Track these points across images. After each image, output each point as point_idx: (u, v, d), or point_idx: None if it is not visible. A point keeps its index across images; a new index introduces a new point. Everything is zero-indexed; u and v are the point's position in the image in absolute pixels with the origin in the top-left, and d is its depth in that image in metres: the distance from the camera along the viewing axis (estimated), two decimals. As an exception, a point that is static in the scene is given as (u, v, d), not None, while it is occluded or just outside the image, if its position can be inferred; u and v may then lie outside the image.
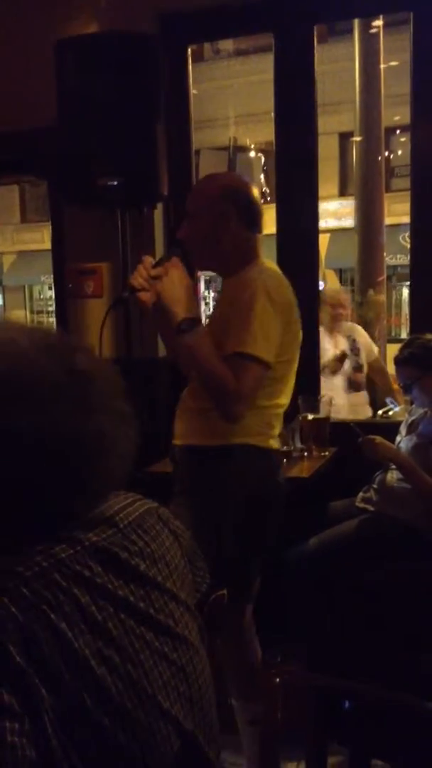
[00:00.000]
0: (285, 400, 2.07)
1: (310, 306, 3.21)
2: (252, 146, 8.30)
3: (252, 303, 1.86)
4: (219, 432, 1.94)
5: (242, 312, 1.86)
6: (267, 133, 3.36)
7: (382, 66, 6.04)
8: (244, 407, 1.87)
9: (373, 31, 6.20)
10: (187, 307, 1.87)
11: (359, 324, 5.92)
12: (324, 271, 16.92)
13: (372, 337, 5.69)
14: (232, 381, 1.83)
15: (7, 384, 0.79)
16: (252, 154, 6.86)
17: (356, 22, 5.97)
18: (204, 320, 2.08)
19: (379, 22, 6.04)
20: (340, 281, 16.39)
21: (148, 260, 1.92)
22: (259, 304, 1.85)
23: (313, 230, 3.13)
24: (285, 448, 2.71)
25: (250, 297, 1.86)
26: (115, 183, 2.61)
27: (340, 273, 16.25)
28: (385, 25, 6.33)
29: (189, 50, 3.18)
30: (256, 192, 2.06)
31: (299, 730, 0.96)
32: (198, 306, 2.08)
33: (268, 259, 2.13)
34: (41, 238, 15.21)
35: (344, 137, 13.82)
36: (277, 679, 0.93)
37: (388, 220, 6.27)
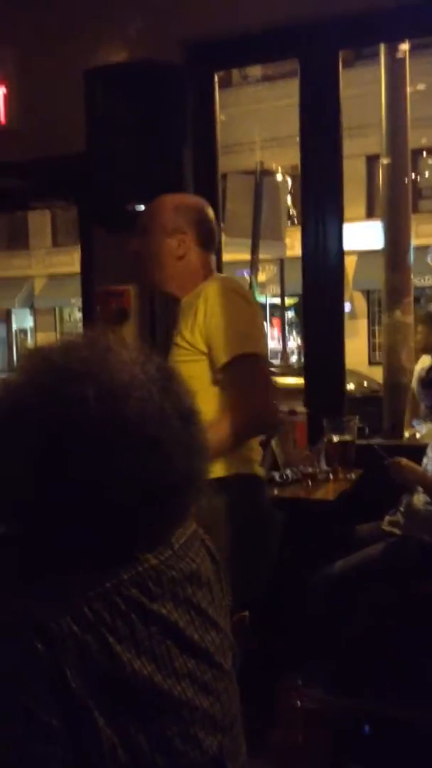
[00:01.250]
0: None
1: (336, 328, 3.23)
2: (279, 170, 8.35)
3: (231, 306, 1.81)
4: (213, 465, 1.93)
5: (225, 317, 1.79)
6: (293, 156, 3.40)
7: (408, 89, 6.06)
8: (275, 409, 1.81)
9: (400, 55, 6.25)
10: None
11: (386, 346, 5.90)
12: (351, 292, 16.94)
13: (399, 359, 5.67)
14: (243, 403, 1.75)
15: (136, 430, 0.79)
16: (279, 177, 6.90)
17: (382, 45, 6.03)
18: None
19: (405, 46, 6.09)
20: (368, 303, 16.35)
21: None
22: (237, 305, 1.82)
23: (339, 252, 3.14)
24: (310, 470, 2.70)
25: (227, 301, 1.81)
26: (143, 208, 2.66)
27: (368, 294, 16.21)
28: (412, 48, 6.37)
29: (215, 77, 3.24)
30: (210, 212, 2.03)
31: (320, 753, 0.95)
32: None
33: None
34: (71, 262, 15.46)
35: (371, 160, 13.87)
36: (299, 702, 0.92)
37: (415, 242, 6.26)
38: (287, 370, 8.99)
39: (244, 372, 1.76)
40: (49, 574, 0.80)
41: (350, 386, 8.75)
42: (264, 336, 1.87)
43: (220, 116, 3.31)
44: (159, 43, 3.07)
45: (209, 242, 1.99)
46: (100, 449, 0.77)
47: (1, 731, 0.73)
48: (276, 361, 12.18)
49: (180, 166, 2.75)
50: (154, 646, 0.81)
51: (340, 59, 3.07)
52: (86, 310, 3.38)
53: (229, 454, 1.84)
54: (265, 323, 2.03)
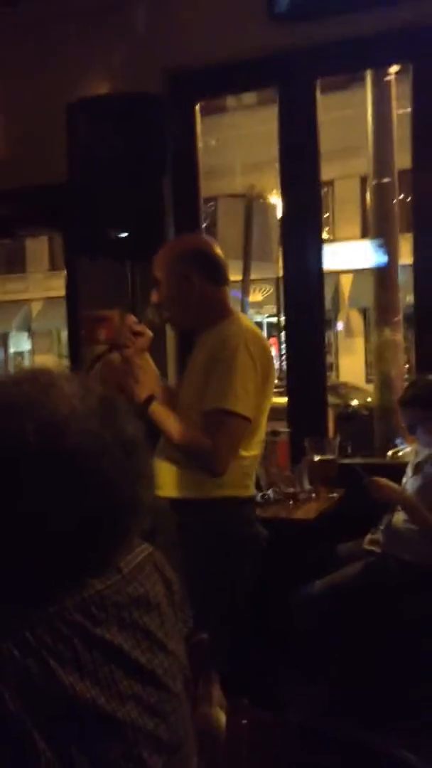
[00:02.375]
0: (258, 450, 2.09)
1: (317, 348, 3.28)
2: (271, 192, 8.47)
3: (233, 359, 1.91)
4: (202, 485, 1.97)
5: (223, 367, 1.91)
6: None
7: (395, 111, 6.16)
8: (227, 463, 1.91)
9: (387, 78, 6.36)
10: (152, 376, 1.98)
11: (377, 364, 5.94)
12: (347, 310, 17.02)
13: (390, 377, 5.71)
14: (207, 442, 1.89)
15: (75, 462, 0.81)
16: (270, 199, 7.00)
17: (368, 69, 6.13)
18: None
19: (393, 69, 6.20)
20: (364, 320, 16.42)
21: (131, 318, 2.02)
22: (239, 360, 1.91)
23: (319, 274, 3.20)
24: (292, 490, 2.73)
25: (231, 353, 1.92)
26: (124, 236, 2.72)
27: (365, 312, 16.29)
28: (400, 71, 6.47)
29: (197, 106, 3.31)
30: (218, 249, 2.13)
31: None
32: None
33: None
34: (55, 286, 15.57)
35: (365, 180, 14.01)
36: (244, 721, 0.95)
37: (407, 260, 6.32)
38: (284, 389, 9.00)
39: (217, 423, 1.90)
40: None
41: (354, 402, 8.77)
42: (253, 395, 1.93)
43: (210, 141, 3.38)
44: (140, 73, 3.15)
45: (218, 277, 2.07)
46: (40, 481, 0.80)
47: None
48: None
49: (161, 194, 2.81)
50: (97, 670, 0.84)
51: (318, 87, 3.14)
52: (72, 335, 3.43)
53: (225, 478, 1.94)
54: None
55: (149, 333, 2.00)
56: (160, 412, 1.93)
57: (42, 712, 0.78)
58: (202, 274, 2.03)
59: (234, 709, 0.99)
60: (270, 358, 2.05)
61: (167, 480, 2.03)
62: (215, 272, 2.06)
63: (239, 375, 1.90)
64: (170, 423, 1.93)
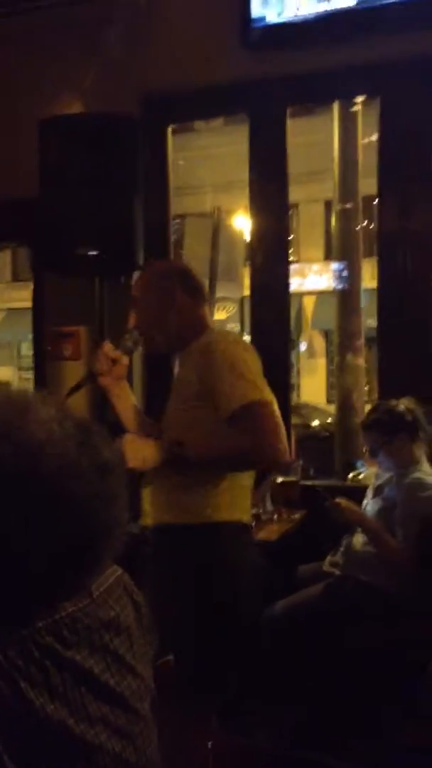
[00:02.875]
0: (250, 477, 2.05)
1: (283, 368, 3.33)
2: (238, 212, 8.55)
3: (229, 356, 1.87)
4: (203, 508, 1.90)
5: (223, 368, 1.85)
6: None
7: (360, 140, 6.29)
8: (278, 450, 1.82)
9: (355, 108, 6.51)
10: (132, 404, 1.98)
11: (339, 387, 6.02)
12: (310, 332, 17.21)
13: (351, 400, 5.79)
14: (246, 439, 1.81)
15: (51, 486, 0.82)
16: (236, 219, 7.06)
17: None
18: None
19: (359, 98, 6.35)
20: (326, 342, 16.63)
21: (107, 346, 2.00)
22: (236, 355, 1.88)
23: (285, 295, 3.27)
24: (254, 510, 2.75)
25: (222, 353, 1.88)
26: (93, 253, 2.73)
27: (326, 334, 16.49)
28: (366, 99, 6.63)
29: (169, 129, 3.36)
30: (192, 270, 2.17)
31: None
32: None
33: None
34: (30, 296, 15.41)
35: (329, 204, 14.25)
36: (210, 743, 0.96)
37: (371, 284, 6.43)
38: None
39: (251, 419, 1.82)
40: None
41: (315, 422, 8.84)
42: (264, 380, 1.91)
43: (177, 160, 3.42)
44: (114, 94, 3.18)
45: (198, 294, 2.08)
46: (15, 505, 0.81)
47: None
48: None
49: (131, 213, 2.83)
50: (67, 692, 0.85)
51: (288, 114, 3.21)
52: (37, 348, 3.42)
53: (224, 499, 1.90)
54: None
55: (125, 360, 1.99)
56: (193, 446, 1.83)
57: (11, 733, 0.79)
58: (184, 290, 2.03)
59: (201, 731, 1.01)
60: (259, 361, 1.99)
61: (163, 504, 1.95)
62: (195, 289, 2.07)
63: (246, 368, 1.86)
64: (204, 447, 1.84)
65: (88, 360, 1.95)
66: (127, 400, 2.08)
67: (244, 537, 2.01)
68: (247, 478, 2.02)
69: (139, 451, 1.85)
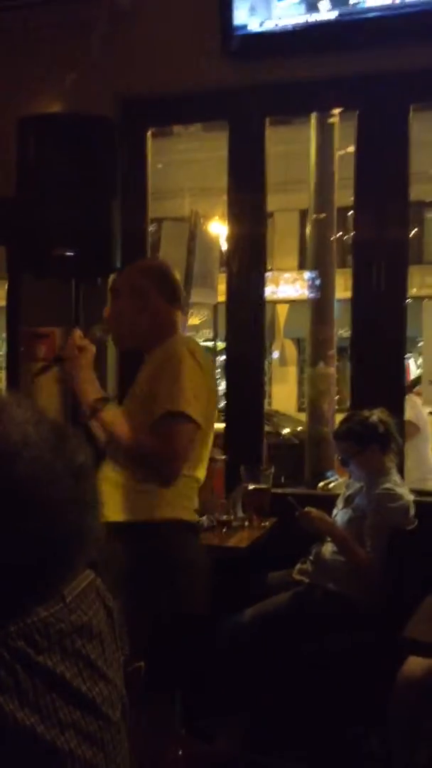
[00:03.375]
0: (202, 474, 2.09)
1: (256, 376, 3.34)
2: (214, 218, 8.57)
3: (180, 364, 1.92)
4: (145, 507, 1.96)
5: (171, 373, 1.91)
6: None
7: (336, 152, 6.35)
8: (178, 466, 1.90)
9: (332, 119, 6.57)
10: (96, 388, 1.96)
11: (310, 396, 6.05)
12: (282, 340, 17.30)
13: (322, 409, 5.82)
14: (157, 443, 1.88)
15: (25, 490, 0.82)
16: (213, 225, 7.08)
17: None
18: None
19: (336, 110, 6.41)
20: (298, 350, 16.73)
21: (77, 333, 2.03)
22: (187, 365, 1.92)
23: (260, 302, 3.28)
24: (225, 517, 2.75)
25: (178, 359, 1.93)
26: (70, 254, 2.71)
27: (298, 342, 16.59)
28: (343, 111, 6.69)
29: (149, 132, 3.35)
30: (173, 272, 2.19)
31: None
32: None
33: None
34: (2, 296, 15.26)
35: (304, 214, 14.36)
36: (180, 752, 0.95)
37: (343, 295, 6.49)
38: (221, 415, 9.04)
39: (168, 425, 1.88)
40: None
41: (286, 430, 8.87)
42: (203, 402, 1.94)
43: (156, 164, 3.42)
44: (94, 96, 3.17)
45: (174, 298, 2.11)
46: None
47: None
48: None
49: (109, 214, 2.81)
50: (38, 698, 0.83)
51: (267, 123, 3.23)
52: (11, 349, 3.38)
53: (168, 498, 1.94)
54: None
55: (92, 348, 2.00)
56: (112, 413, 1.92)
57: None
58: (159, 290, 2.06)
59: (171, 740, 1.00)
60: (215, 378, 2.07)
61: (109, 503, 1.97)
62: (171, 292, 2.10)
63: (189, 381, 1.90)
64: (120, 424, 1.91)
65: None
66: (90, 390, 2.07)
67: (186, 535, 2.03)
68: (193, 480, 2.04)
69: (87, 376, 1.94)
